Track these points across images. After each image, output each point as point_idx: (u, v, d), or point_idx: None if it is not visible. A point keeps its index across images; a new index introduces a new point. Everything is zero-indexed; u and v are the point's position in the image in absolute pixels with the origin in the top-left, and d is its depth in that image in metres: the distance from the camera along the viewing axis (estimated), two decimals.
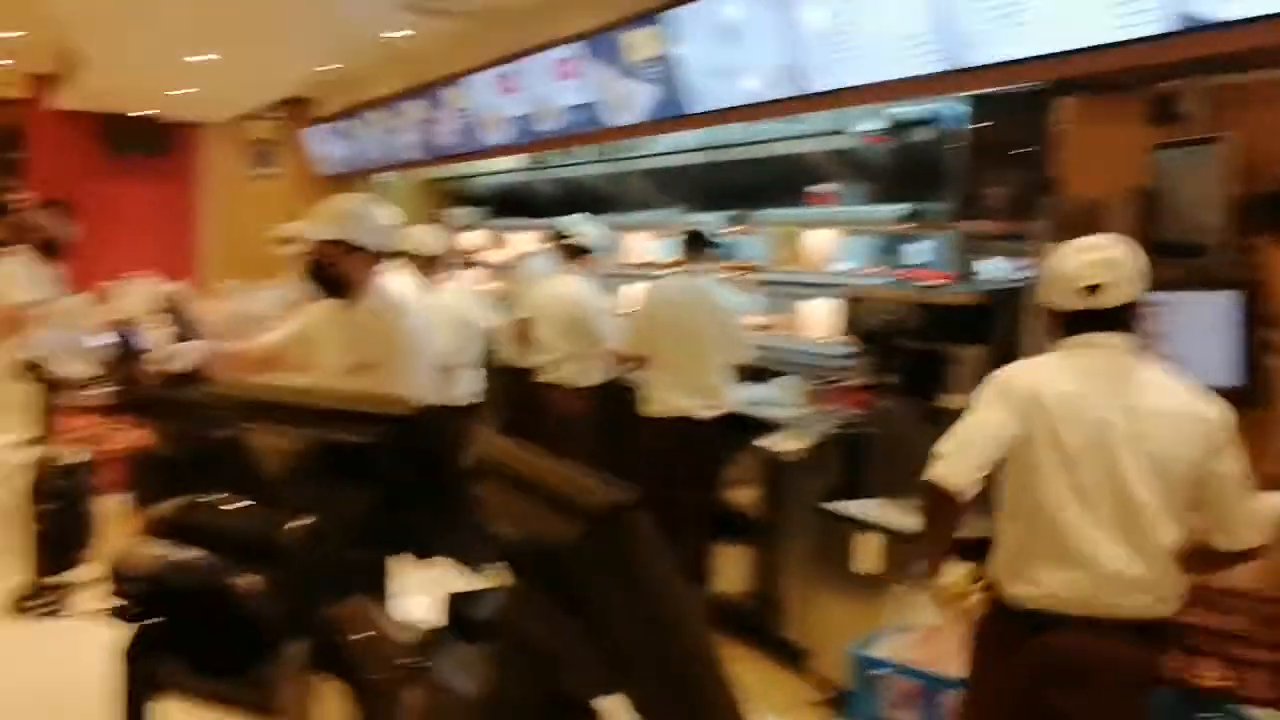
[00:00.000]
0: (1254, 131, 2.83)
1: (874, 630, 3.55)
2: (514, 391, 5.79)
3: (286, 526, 1.40)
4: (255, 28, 6.79)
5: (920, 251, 5.63)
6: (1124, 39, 3.03)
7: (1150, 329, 2.50)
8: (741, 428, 4.94)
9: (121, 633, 1.19)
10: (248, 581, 1.35)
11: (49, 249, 4.82)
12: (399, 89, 8.36)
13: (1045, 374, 2.40)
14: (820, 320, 5.41)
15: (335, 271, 3.21)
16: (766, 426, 4.73)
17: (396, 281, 4.39)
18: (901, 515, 3.67)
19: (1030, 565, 2.31)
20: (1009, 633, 2.35)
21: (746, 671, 4.68)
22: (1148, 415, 2.28)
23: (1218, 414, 2.31)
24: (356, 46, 7.60)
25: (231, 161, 10.63)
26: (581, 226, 5.66)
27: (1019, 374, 2.44)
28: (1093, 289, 2.35)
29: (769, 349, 5.49)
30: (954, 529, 2.42)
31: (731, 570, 5.07)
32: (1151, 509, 2.24)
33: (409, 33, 7.03)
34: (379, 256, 3.25)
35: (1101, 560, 2.24)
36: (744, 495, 4.98)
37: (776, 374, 5.28)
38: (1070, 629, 2.26)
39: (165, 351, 3.31)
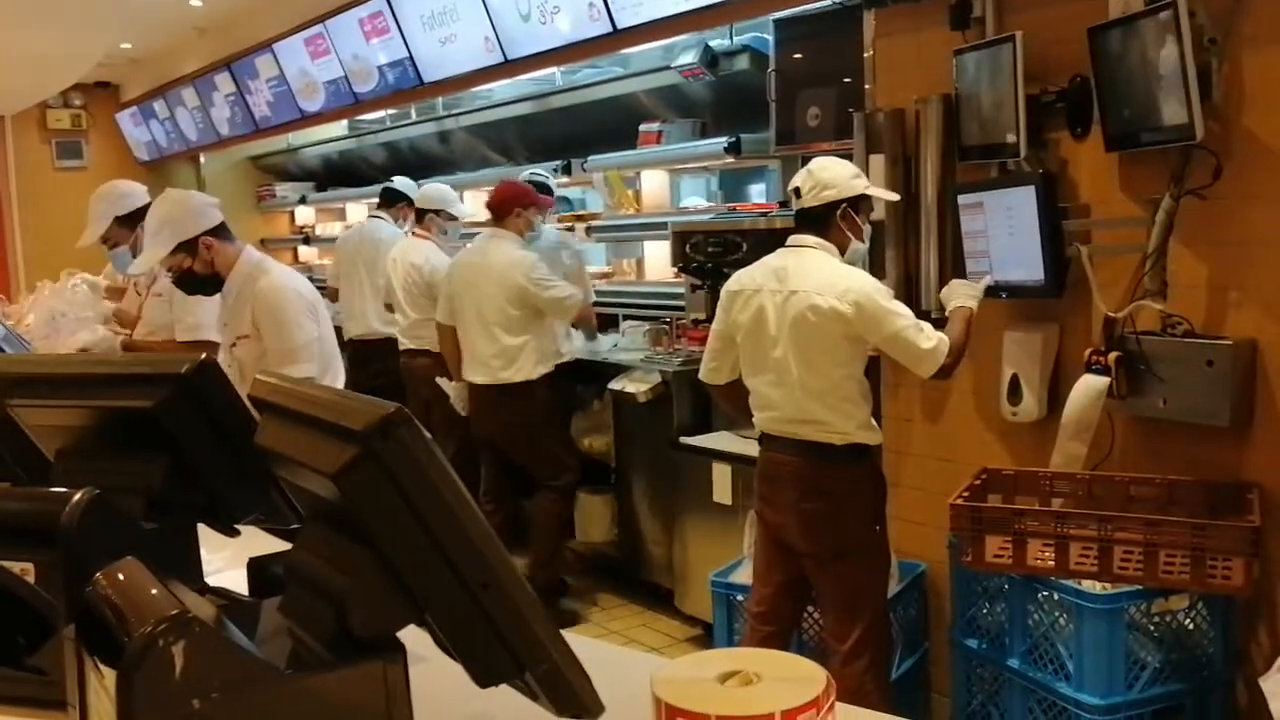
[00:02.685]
0: (1040, 30, 2.91)
1: (733, 559, 3.60)
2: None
3: (59, 504, 1.30)
4: (20, 5, 6.36)
5: (758, 183, 5.68)
6: None
7: (854, 227, 2.92)
8: (591, 376, 4.91)
9: None
10: (16, 567, 1.25)
11: None
12: (207, 63, 8.00)
13: (741, 274, 3.00)
14: (661, 263, 5.40)
15: (191, 275, 3.20)
16: (615, 372, 4.70)
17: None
18: (747, 444, 3.71)
19: (755, 408, 3.03)
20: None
21: (618, 617, 4.71)
22: (793, 300, 2.83)
23: (859, 299, 2.77)
24: (148, 23, 7.20)
25: (35, 155, 10.04)
26: (415, 186, 5.50)
27: (731, 279, 3.05)
28: (797, 194, 2.92)
29: (613, 295, 5.47)
30: (737, 402, 3.10)
31: (595, 519, 5.06)
32: (794, 369, 2.85)
33: (198, 3, 6.69)
34: (213, 233, 3.17)
35: (772, 402, 2.93)
36: (598, 443, 4.96)
37: (627, 319, 5.27)
38: (771, 446, 3.00)
39: None
